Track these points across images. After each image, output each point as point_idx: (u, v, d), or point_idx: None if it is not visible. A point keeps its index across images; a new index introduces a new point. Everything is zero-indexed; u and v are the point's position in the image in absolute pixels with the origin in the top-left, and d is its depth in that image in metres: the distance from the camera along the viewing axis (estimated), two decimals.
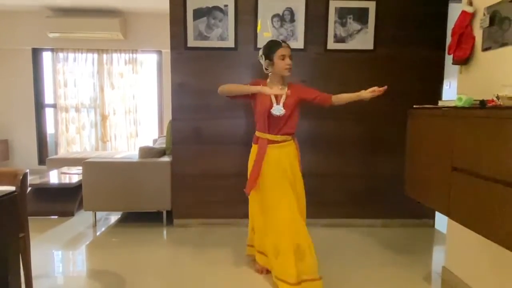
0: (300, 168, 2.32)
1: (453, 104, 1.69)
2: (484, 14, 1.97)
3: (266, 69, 2.31)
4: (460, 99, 1.63)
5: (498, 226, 1.31)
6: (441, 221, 3.16)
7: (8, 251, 1.38)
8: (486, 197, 1.36)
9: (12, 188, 1.53)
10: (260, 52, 2.33)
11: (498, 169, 1.30)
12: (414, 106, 1.97)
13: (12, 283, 1.40)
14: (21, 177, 1.84)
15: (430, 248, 2.90)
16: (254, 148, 2.32)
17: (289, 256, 2.04)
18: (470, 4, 2.08)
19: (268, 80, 2.33)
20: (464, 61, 2.11)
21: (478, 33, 2.04)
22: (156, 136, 5.57)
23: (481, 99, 1.61)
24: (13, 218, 1.43)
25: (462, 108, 1.58)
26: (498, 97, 1.53)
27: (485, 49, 1.97)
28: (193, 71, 3.22)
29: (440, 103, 1.94)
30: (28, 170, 1.90)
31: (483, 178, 1.37)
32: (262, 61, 2.31)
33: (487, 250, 1.95)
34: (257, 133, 2.33)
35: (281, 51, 2.21)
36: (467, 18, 2.07)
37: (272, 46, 2.26)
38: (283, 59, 2.22)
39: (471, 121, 1.46)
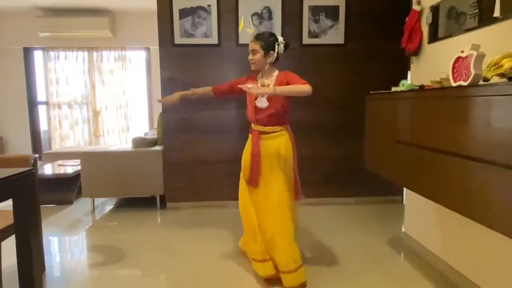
0: (293, 158, 2.27)
1: (399, 89, 2.02)
2: (428, 12, 2.31)
3: None
4: (403, 84, 1.97)
5: (428, 183, 1.64)
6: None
7: (29, 218, 1.66)
8: (420, 162, 1.70)
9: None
10: None
11: (427, 138, 1.63)
12: (371, 92, 2.30)
13: (34, 245, 1.68)
14: (32, 161, 2.12)
15: (396, 220, 3.25)
16: (249, 138, 2.34)
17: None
18: (418, 3, 2.41)
19: (260, 74, 2.32)
20: (414, 52, 2.45)
21: (425, 28, 2.37)
22: (147, 129, 5.82)
23: (420, 84, 1.95)
24: (32, 190, 1.72)
25: (403, 91, 1.91)
26: (432, 82, 1.87)
27: (429, 42, 2.31)
28: (180, 67, 3.51)
29: (393, 89, 2.27)
30: (37, 155, 2.18)
31: (416, 146, 1.71)
32: None
33: (437, 216, 2.31)
34: (252, 124, 2.35)
35: (249, 47, 2.25)
36: (416, 15, 2.41)
37: None
38: (249, 54, 2.26)
39: (408, 102, 1.79)
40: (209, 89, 2.50)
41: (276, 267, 2.12)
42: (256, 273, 2.20)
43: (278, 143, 2.23)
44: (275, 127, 2.25)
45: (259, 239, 2.20)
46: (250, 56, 2.24)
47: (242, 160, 2.37)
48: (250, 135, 2.36)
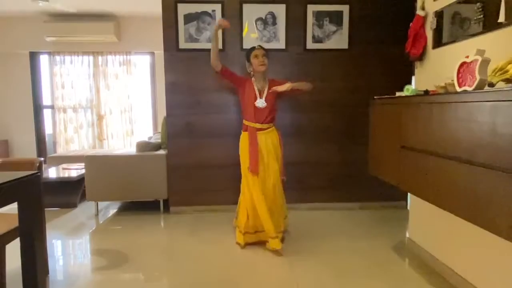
0: (282, 147, 2.82)
1: (403, 94, 2.02)
2: (433, 17, 2.31)
3: (251, 71, 2.79)
4: (407, 89, 1.97)
5: (433, 189, 1.63)
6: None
7: (34, 221, 1.67)
8: (424, 168, 1.69)
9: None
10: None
11: (431, 144, 1.62)
12: (375, 97, 2.30)
13: (38, 248, 1.69)
14: (37, 164, 2.13)
15: (401, 225, 3.23)
16: (245, 135, 2.74)
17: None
18: (423, 8, 2.42)
19: (253, 78, 2.79)
20: (418, 58, 2.45)
21: (429, 34, 2.37)
22: (150, 133, 5.84)
23: (425, 89, 1.95)
24: (37, 193, 1.72)
25: (408, 96, 1.91)
26: (436, 87, 1.86)
27: (434, 47, 2.31)
28: (185, 71, 3.53)
29: (397, 94, 2.27)
30: (43, 159, 2.20)
31: (420, 151, 1.70)
32: (247, 65, 2.83)
33: (441, 222, 2.29)
34: (246, 122, 2.75)
35: (254, 52, 2.74)
36: (420, 21, 2.41)
37: (248, 51, 2.80)
38: (256, 58, 2.72)
39: (412, 107, 1.79)
40: (218, 62, 2.79)
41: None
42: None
43: (271, 138, 2.72)
44: (269, 124, 2.73)
45: (251, 217, 2.68)
46: (262, 59, 2.69)
47: (241, 155, 2.74)
48: (243, 133, 2.75)
